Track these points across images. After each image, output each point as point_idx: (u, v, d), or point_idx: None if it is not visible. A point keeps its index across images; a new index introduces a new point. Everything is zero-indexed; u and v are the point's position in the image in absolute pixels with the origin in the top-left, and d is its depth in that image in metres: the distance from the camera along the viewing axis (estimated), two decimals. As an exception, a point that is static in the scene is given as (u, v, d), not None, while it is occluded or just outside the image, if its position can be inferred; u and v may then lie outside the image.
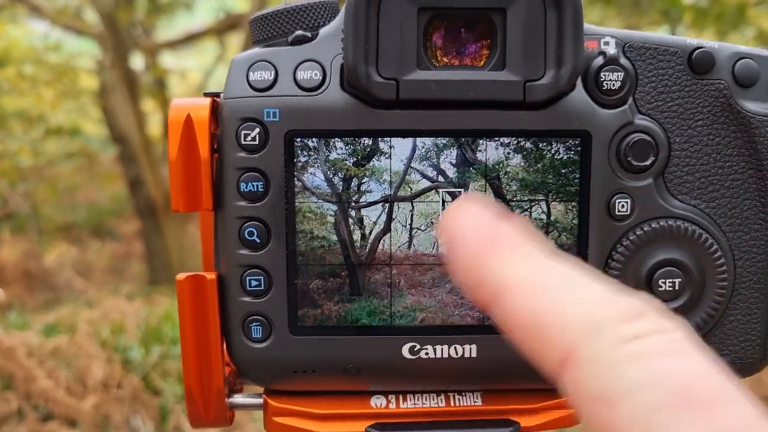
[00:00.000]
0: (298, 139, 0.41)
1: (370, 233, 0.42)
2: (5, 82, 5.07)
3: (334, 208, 0.42)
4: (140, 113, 5.27)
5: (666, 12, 3.34)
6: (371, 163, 0.41)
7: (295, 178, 0.41)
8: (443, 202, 0.42)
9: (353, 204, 0.42)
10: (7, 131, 5.25)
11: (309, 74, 0.41)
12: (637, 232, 0.43)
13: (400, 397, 0.45)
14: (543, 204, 0.42)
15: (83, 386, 2.83)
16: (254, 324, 0.43)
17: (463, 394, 0.45)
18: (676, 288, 0.43)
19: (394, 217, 0.42)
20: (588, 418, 0.25)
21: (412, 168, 0.42)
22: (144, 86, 5.98)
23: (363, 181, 0.42)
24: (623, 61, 0.43)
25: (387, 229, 0.42)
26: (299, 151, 0.41)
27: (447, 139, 0.41)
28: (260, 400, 0.46)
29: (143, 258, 5.49)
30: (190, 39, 6.72)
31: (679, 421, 0.22)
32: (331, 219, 0.42)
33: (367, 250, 0.42)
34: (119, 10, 5.18)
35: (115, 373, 2.89)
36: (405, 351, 0.43)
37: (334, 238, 0.42)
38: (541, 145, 0.42)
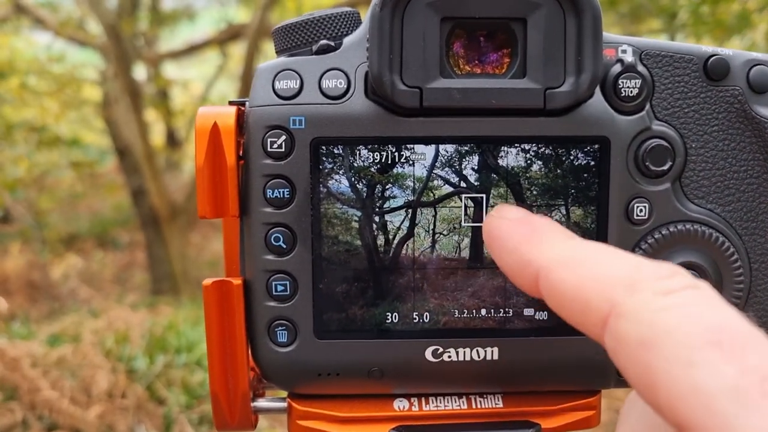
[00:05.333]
0: (324, 147, 0.42)
1: (394, 238, 0.43)
2: (8, 93, 5.09)
3: (359, 213, 0.43)
4: (143, 123, 5.29)
5: (672, 15, 3.36)
6: (395, 169, 0.42)
7: (321, 185, 0.42)
8: (465, 207, 0.43)
9: (377, 210, 0.43)
10: (11, 142, 5.26)
11: (334, 83, 0.42)
12: (655, 236, 0.44)
13: (423, 399, 0.46)
14: (563, 208, 0.43)
15: (88, 396, 2.82)
16: (279, 328, 0.44)
17: (485, 396, 0.46)
18: None
19: (417, 222, 0.43)
20: (629, 365, 0.27)
21: (435, 174, 0.42)
22: (147, 97, 6.01)
23: (387, 187, 0.42)
24: (640, 68, 0.44)
25: (410, 234, 0.43)
26: (324, 158, 0.42)
27: (469, 145, 0.42)
28: (284, 404, 0.47)
29: (146, 268, 5.49)
30: (193, 49, 6.77)
31: (713, 359, 0.24)
32: (356, 224, 0.43)
33: (390, 254, 0.43)
34: (122, 21, 5.22)
35: (119, 383, 2.89)
36: (428, 354, 0.44)
37: (359, 243, 0.43)
38: (560, 151, 0.43)
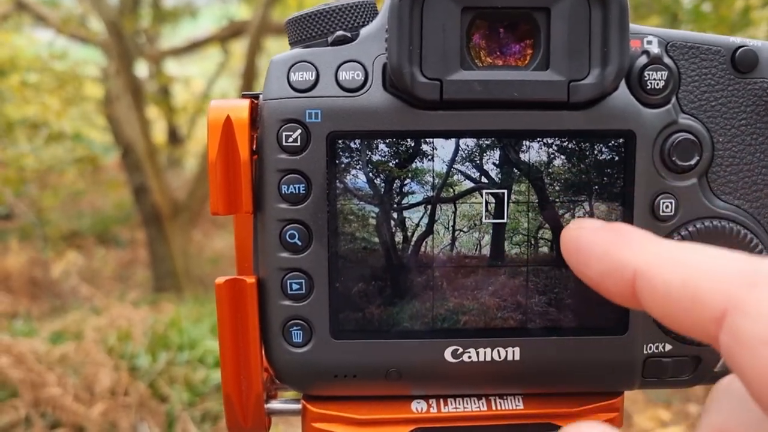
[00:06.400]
0: (340, 141, 0.41)
1: (413, 235, 0.42)
2: (9, 91, 5.08)
3: (376, 210, 0.41)
4: (145, 121, 5.28)
5: (674, 16, 3.34)
6: (414, 164, 0.41)
7: (337, 180, 0.41)
8: (486, 203, 0.42)
9: (395, 206, 0.41)
10: (12, 140, 5.26)
11: (351, 75, 0.41)
12: (682, 233, 0.43)
13: (441, 401, 0.45)
14: (586, 204, 0.42)
15: (90, 393, 2.82)
16: (295, 328, 0.42)
17: (505, 397, 0.45)
18: None
19: (436, 218, 0.42)
20: (751, 365, 0.25)
21: (455, 169, 0.41)
22: (148, 94, 6.00)
23: (405, 182, 0.41)
24: (666, 60, 0.42)
25: (429, 231, 0.42)
26: (341, 153, 0.41)
27: (490, 139, 0.41)
28: (299, 406, 0.45)
29: (148, 265, 5.48)
30: (194, 46, 6.75)
31: None
32: (373, 221, 0.41)
33: (409, 252, 0.42)
34: (124, 19, 5.20)
35: (122, 380, 2.88)
36: (447, 354, 0.42)
37: (376, 240, 0.42)
38: (584, 145, 0.41)
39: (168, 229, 5.09)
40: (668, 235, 0.43)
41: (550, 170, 0.41)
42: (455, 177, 0.41)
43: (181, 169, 8.02)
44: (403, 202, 0.41)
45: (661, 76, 0.42)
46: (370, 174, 0.41)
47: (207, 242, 6.48)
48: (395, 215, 0.41)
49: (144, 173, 5.04)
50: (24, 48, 5.86)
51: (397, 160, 0.41)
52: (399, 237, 0.42)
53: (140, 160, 5.05)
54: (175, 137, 8.22)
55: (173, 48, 7.00)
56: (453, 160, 0.41)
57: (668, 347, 0.44)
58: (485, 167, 0.41)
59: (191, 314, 3.83)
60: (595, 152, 0.41)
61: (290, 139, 0.41)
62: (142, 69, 6.15)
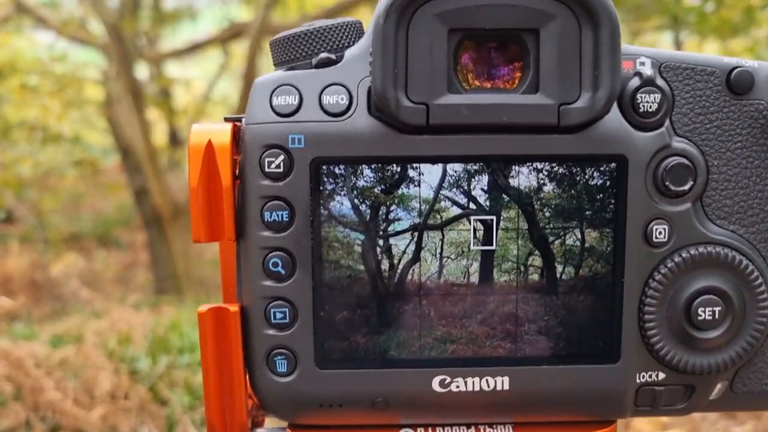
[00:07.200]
0: (324, 167, 0.40)
1: (399, 263, 0.41)
2: (9, 94, 5.08)
3: (362, 237, 0.40)
4: (145, 123, 5.27)
5: (675, 17, 3.33)
6: (400, 190, 0.40)
7: (321, 207, 0.40)
8: (474, 230, 0.41)
9: (381, 233, 0.40)
10: (12, 142, 5.26)
11: (335, 98, 0.40)
12: (676, 259, 0.42)
13: (430, 430, 0.44)
14: (577, 231, 0.41)
15: (91, 397, 2.81)
16: (279, 357, 0.41)
17: (494, 426, 0.44)
18: (716, 317, 0.42)
19: (423, 246, 0.41)
20: None
21: (442, 195, 0.40)
22: (149, 96, 6.00)
23: (391, 209, 0.40)
24: (660, 82, 0.41)
25: (416, 258, 0.41)
26: (325, 179, 0.40)
27: (478, 164, 0.40)
28: (284, 435, 0.44)
29: (149, 267, 5.49)
30: (195, 48, 6.75)
31: None
32: (359, 248, 0.40)
33: (395, 280, 0.41)
34: (124, 21, 5.20)
35: (122, 384, 2.88)
36: (435, 384, 0.42)
37: (362, 268, 0.41)
38: (575, 170, 0.40)
39: (169, 231, 5.09)
40: (662, 262, 0.42)
41: (540, 196, 0.40)
42: (442, 203, 0.40)
43: (181, 172, 8.00)
44: (390, 229, 0.40)
45: (654, 98, 0.41)
46: (355, 200, 0.40)
47: (208, 245, 6.48)
48: (381, 242, 0.40)
49: (144, 175, 5.04)
50: (24, 50, 5.86)
51: (382, 186, 0.40)
52: (385, 264, 0.41)
53: (141, 162, 5.05)
54: (175, 139, 8.21)
55: (173, 50, 7.00)
56: (440, 186, 0.40)
57: (661, 376, 0.43)
58: (473, 193, 0.40)
59: (192, 317, 3.82)
60: (586, 177, 0.40)
61: (273, 165, 0.40)
62: (142, 71, 6.15)
